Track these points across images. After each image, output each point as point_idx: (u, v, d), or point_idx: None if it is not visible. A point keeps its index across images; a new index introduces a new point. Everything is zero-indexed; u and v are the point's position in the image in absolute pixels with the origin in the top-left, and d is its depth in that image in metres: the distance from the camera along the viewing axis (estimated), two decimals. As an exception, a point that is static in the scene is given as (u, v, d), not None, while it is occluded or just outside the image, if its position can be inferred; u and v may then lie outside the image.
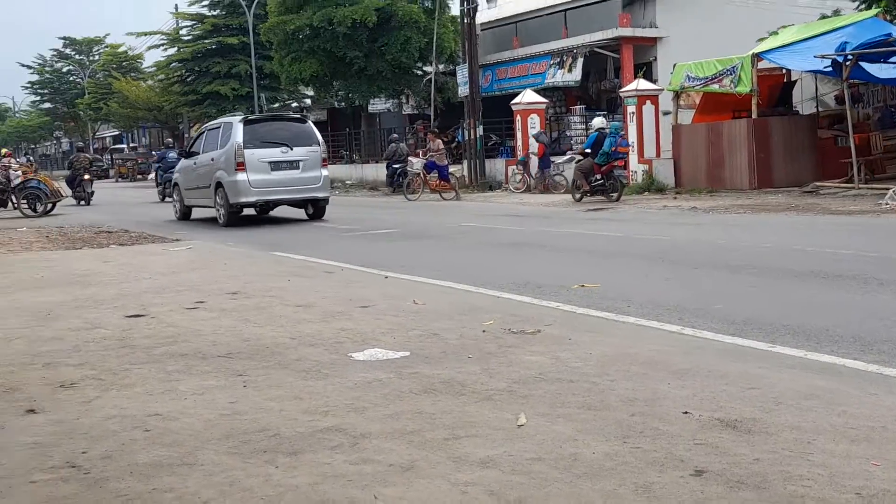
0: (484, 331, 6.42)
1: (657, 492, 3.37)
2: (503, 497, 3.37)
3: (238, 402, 4.76)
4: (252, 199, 17.77)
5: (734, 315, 6.80)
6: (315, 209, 18.86)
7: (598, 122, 21.82)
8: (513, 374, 5.15)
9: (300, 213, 19.25)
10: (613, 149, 20.44)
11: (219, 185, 17.97)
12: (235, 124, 17.89)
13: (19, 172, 23.56)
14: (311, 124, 19.21)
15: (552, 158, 25.71)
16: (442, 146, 25.30)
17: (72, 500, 3.49)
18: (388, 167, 29.30)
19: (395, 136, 31.87)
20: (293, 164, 17.81)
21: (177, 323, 7.11)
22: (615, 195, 20.26)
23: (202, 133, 20.14)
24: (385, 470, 3.70)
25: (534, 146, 25.84)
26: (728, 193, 20.18)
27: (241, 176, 17.35)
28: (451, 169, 26.27)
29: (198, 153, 19.44)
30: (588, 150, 20.87)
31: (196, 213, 20.35)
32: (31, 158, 38.06)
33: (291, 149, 17.79)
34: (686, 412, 4.33)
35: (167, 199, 26.54)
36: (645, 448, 3.85)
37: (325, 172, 18.28)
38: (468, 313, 7.14)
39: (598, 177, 20.48)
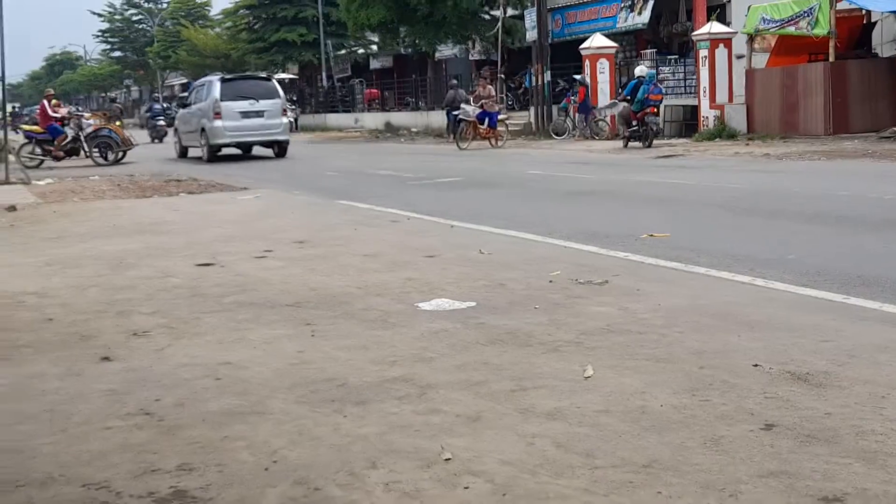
0: (551, 281, 6.38)
1: (726, 445, 3.33)
2: (570, 449, 3.36)
3: (306, 352, 4.82)
4: (227, 140, 22.46)
5: (807, 266, 6.67)
6: (279, 149, 23.28)
7: (640, 70, 22.44)
8: (580, 326, 5.12)
9: (373, 165, 20.13)
10: (646, 96, 21.15)
11: (202, 129, 22.73)
12: (215, 82, 23.27)
13: (91, 122, 23.92)
14: (275, 82, 24.56)
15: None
16: (493, 93, 25.03)
17: (146, 446, 3.56)
18: (447, 114, 29.45)
19: (454, 82, 32.08)
20: (259, 114, 22.54)
21: (246, 272, 7.20)
22: (647, 142, 20.96)
23: (194, 88, 25.36)
24: (452, 420, 3.71)
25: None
26: (802, 139, 19.72)
27: (218, 123, 22.17)
28: (515, 115, 26.23)
29: (191, 104, 24.41)
30: (628, 97, 21.74)
31: (191, 153, 24.64)
32: (79, 108, 39.84)
33: (258, 101, 22.56)
34: (756, 365, 4.26)
35: (155, 140, 34.90)
36: (714, 401, 3.81)
37: (284, 120, 23.29)
38: (535, 263, 7.10)
39: (635, 123, 21.29)
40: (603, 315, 5.34)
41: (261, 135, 22.72)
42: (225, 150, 23.09)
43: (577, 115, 26.09)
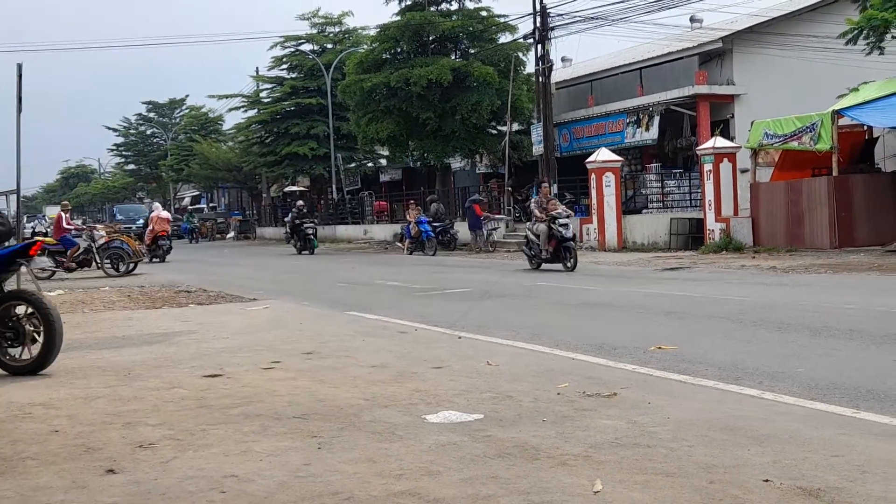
0: (559, 393, 6.36)
1: (738, 564, 3.28)
2: (579, 566, 3.31)
3: (312, 464, 4.78)
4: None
5: (816, 379, 6.64)
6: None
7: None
8: (588, 439, 5.09)
9: (381, 276, 19.76)
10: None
11: None
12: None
13: (103, 233, 24.17)
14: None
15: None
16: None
17: (149, 561, 3.52)
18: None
19: (435, 196, 34.38)
20: None
21: (253, 383, 7.19)
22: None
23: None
24: (459, 536, 3.66)
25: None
26: (808, 253, 19.81)
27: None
28: (522, 227, 27.16)
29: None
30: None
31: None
32: (88, 220, 41.79)
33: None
34: (767, 480, 4.22)
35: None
36: (725, 517, 3.76)
37: None
38: (542, 375, 7.08)
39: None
40: (611, 428, 5.31)
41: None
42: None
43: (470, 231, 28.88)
